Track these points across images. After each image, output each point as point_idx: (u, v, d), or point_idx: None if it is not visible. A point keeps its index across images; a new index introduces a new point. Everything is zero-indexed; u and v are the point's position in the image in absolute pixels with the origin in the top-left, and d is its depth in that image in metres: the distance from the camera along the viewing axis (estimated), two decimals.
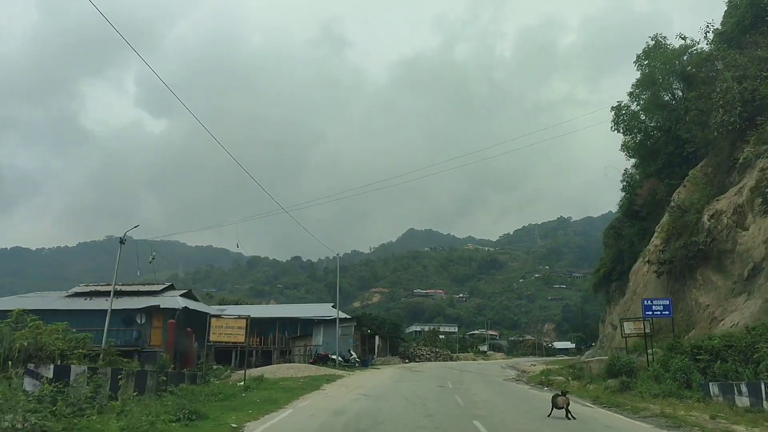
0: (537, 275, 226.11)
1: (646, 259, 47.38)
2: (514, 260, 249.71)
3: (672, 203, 43.95)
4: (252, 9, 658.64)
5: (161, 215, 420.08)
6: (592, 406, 18.70)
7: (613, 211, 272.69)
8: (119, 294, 37.65)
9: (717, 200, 34.47)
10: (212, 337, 27.79)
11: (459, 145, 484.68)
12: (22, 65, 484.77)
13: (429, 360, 65.70)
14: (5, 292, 77.90)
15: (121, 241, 33.61)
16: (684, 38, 51.15)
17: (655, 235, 46.80)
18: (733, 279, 29.45)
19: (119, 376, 17.01)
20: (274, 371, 32.35)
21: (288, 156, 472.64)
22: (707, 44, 46.37)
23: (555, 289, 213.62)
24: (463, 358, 75.67)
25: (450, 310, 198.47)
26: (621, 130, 59.35)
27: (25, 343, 15.63)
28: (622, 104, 57.83)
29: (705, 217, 34.37)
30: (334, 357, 41.05)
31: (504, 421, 14.56)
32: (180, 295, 41.95)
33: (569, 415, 14.81)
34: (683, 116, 44.71)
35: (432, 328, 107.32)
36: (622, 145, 66.21)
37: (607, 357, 33.71)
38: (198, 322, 41.84)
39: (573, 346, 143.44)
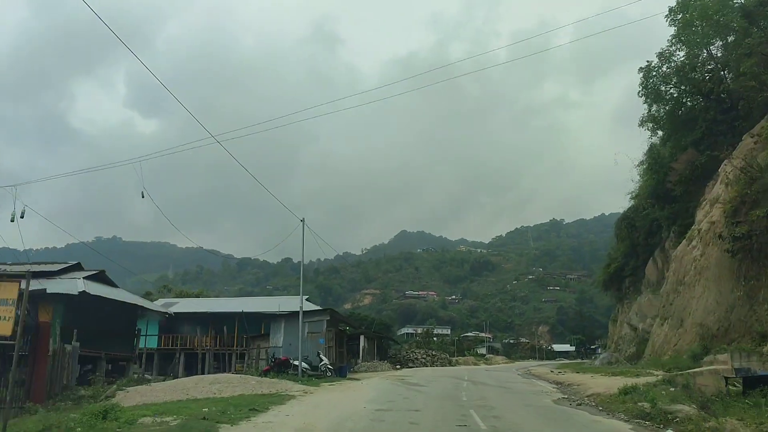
0: (531, 277, 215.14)
1: (702, 237, 35.46)
2: (507, 262, 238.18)
3: (727, 170, 32.54)
4: (244, 7, 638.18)
5: (151, 216, 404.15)
6: None
7: (607, 214, 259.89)
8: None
9: None
10: None
11: (452, 146, 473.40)
12: (9, 62, 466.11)
13: (425, 365, 53.03)
14: None
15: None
16: None
17: (704, 210, 36.81)
18: None
19: None
20: (183, 387, 19.37)
21: (280, 155, 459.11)
22: None
23: (549, 291, 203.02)
24: (463, 362, 63.01)
25: (443, 312, 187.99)
26: (649, 97, 48.69)
27: None
28: (652, 65, 46.63)
29: None
30: (297, 363, 28.23)
31: None
32: (85, 277, 29.02)
33: None
34: (730, 74, 38.92)
35: (425, 329, 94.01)
36: (644, 119, 56.20)
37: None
38: (111, 312, 28.84)
39: (573, 348, 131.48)
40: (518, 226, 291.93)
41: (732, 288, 27.26)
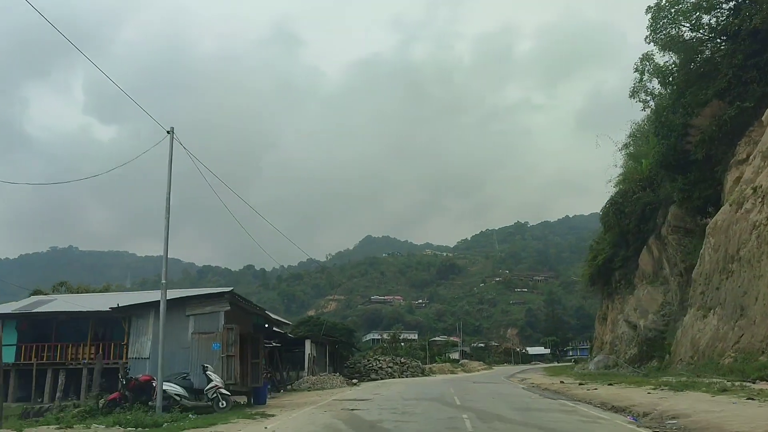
0: (497, 279, 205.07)
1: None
2: (473, 265, 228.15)
3: None
4: (202, 10, 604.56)
5: (109, 225, 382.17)
6: None
7: (570, 216, 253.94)
8: None
9: None
10: None
11: (417, 150, 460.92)
12: None
13: (391, 376, 40.73)
14: None
15: None
16: None
17: (737, 171, 30.28)
18: None
19: None
20: None
21: (240, 161, 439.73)
22: None
23: (517, 293, 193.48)
24: (438, 370, 50.76)
25: (409, 316, 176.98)
26: (659, 42, 38.76)
27: None
28: (662, 3, 36.64)
29: None
30: (168, 387, 15.52)
31: None
32: None
33: None
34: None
35: (392, 333, 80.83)
36: (635, 90, 46.59)
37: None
38: None
39: (548, 351, 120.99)
40: (483, 229, 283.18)
41: None
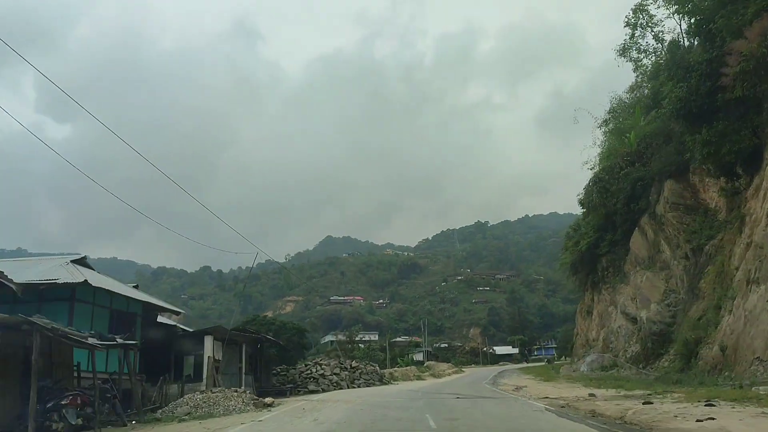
0: (459, 278, 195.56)
1: None
2: (435, 264, 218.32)
3: None
4: (159, 1, 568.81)
5: (62, 227, 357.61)
6: None
7: (530, 215, 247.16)
8: None
9: None
10: None
11: (378, 149, 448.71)
12: None
13: (338, 386, 28.46)
14: None
15: None
16: None
17: None
18: None
19: None
20: None
21: (199, 159, 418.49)
22: None
23: (479, 292, 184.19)
24: (401, 375, 38.27)
25: (370, 317, 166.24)
26: None
27: None
28: None
29: None
30: None
31: None
32: None
33: None
34: None
35: (348, 333, 67.90)
36: (626, 46, 44.39)
37: None
38: None
39: (516, 351, 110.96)
40: (444, 229, 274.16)
41: None
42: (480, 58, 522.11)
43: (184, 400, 17.26)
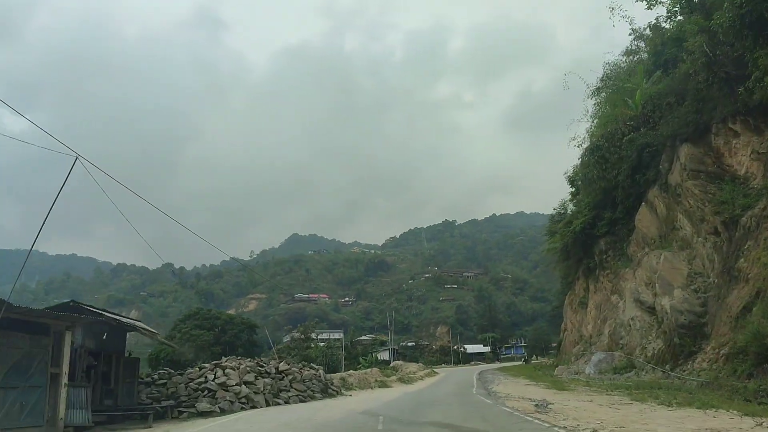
0: (427, 275, 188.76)
1: None
2: (403, 262, 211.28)
3: None
4: None
5: (18, 221, 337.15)
6: None
7: (498, 214, 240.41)
8: None
9: None
10: None
11: (345, 144, 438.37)
12: None
13: (250, 402, 18.25)
14: None
15: None
16: None
17: None
18: None
19: None
20: None
21: (162, 152, 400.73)
22: None
23: (447, 290, 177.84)
24: (357, 383, 28.31)
25: (335, 315, 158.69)
26: None
27: None
28: None
29: None
30: None
31: None
32: None
33: None
34: None
35: (301, 328, 58.48)
36: None
37: None
38: None
39: (488, 349, 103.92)
40: (412, 227, 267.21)
41: None
42: (450, 56, 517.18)
43: None
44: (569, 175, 48.25)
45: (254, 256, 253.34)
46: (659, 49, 37.50)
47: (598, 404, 14.74)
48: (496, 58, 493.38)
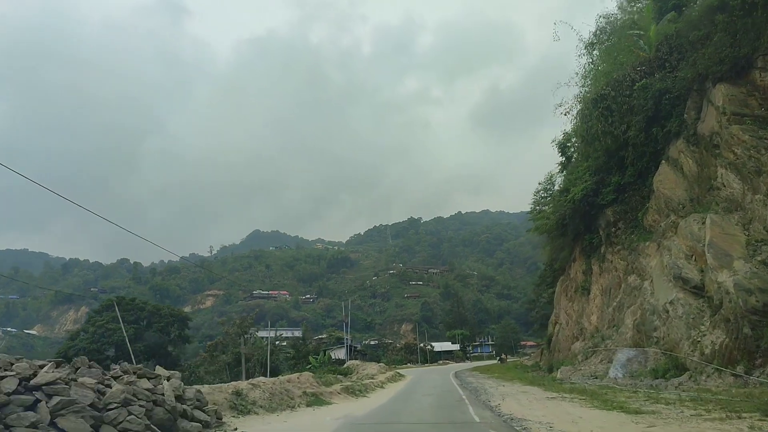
0: (391, 272, 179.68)
1: None
2: (367, 258, 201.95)
3: None
4: None
5: None
6: None
7: (463, 212, 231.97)
8: None
9: None
10: None
11: (311, 139, 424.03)
12: None
13: None
14: None
15: None
16: None
17: None
18: None
19: None
20: None
21: (122, 144, 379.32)
22: None
23: (411, 286, 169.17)
24: (271, 400, 17.83)
25: (295, 312, 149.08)
26: None
27: None
28: None
29: None
30: None
31: None
32: None
33: None
34: None
35: (237, 322, 47.94)
36: None
37: None
38: None
39: (457, 347, 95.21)
40: (377, 225, 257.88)
41: None
42: (419, 51, 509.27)
43: None
44: (559, 141, 39.86)
45: (214, 253, 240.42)
46: None
47: None
48: (465, 55, 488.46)
